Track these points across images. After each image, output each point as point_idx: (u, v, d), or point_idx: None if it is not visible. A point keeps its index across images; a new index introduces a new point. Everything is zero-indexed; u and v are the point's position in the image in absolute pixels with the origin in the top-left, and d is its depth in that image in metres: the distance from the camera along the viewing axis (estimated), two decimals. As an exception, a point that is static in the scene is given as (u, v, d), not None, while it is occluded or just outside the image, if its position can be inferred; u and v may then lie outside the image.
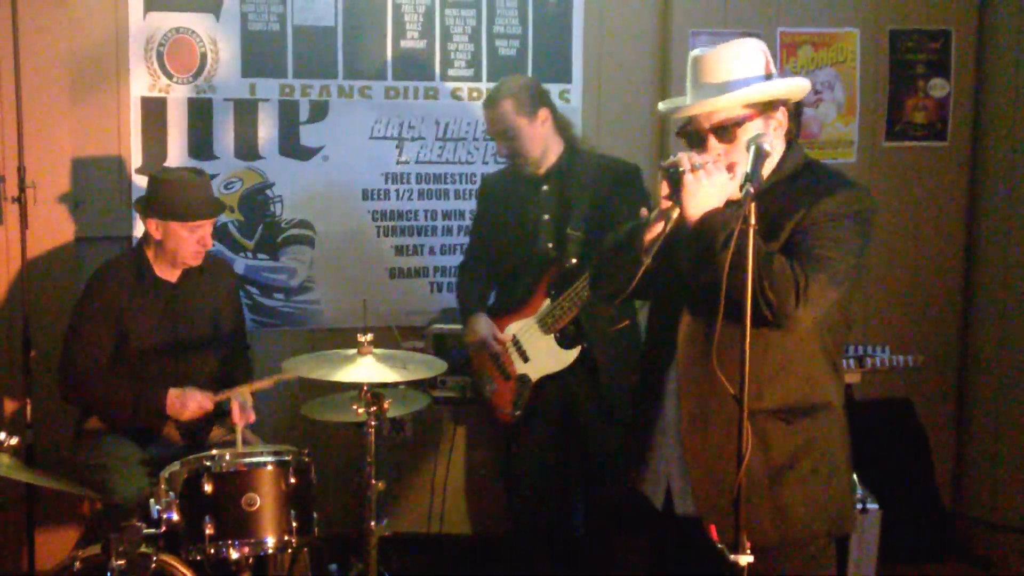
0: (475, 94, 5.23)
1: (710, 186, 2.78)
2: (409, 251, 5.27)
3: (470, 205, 5.26)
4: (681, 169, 2.78)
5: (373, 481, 3.72)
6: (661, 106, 3.15)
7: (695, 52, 2.97)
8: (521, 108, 4.34)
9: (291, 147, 5.08)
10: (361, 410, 3.70)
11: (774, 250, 2.81)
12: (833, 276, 2.80)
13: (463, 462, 5.28)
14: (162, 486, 3.63)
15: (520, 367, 4.43)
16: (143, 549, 3.41)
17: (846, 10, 5.44)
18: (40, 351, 4.55)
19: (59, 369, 4.22)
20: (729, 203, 2.82)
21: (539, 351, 4.40)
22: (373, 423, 3.70)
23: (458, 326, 4.76)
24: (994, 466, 5.49)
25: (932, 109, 5.54)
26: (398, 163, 5.21)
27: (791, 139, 3.01)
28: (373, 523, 3.73)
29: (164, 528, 3.57)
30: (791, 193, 2.92)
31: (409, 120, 5.19)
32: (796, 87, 2.99)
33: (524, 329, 4.43)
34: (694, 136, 2.95)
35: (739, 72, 2.90)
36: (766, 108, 2.91)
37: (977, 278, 5.60)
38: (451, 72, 5.22)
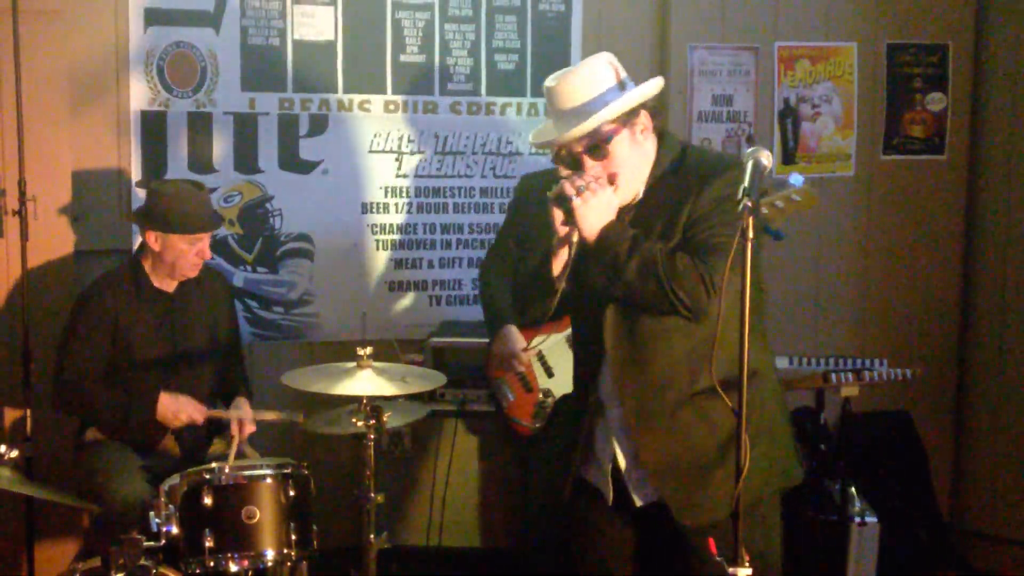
0: (474, 108, 5.25)
1: (598, 204, 2.95)
2: (408, 264, 5.28)
3: (469, 219, 5.27)
4: (568, 195, 2.94)
5: (372, 494, 3.72)
6: (531, 139, 3.27)
7: (549, 82, 3.07)
8: None
9: (290, 161, 5.10)
10: (360, 423, 3.70)
11: (672, 249, 2.96)
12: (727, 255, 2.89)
13: (462, 475, 5.27)
14: (162, 499, 3.64)
15: (544, 382, 4.43)
16: (143, 562, 3.41)
17: (844, 24, 5.46)
18: (40, 363, 4.55)
19: (52, 378, 4.23)
20: (620, 212, 3.01)
21: (565, 369, 4.36)
22: (372, 436, 3.70)
23: (457, 339, 4.77)
24: (992, 478, 5.50)
25: (929, 123, 5.56)
26: (397, 177, 5.23)
27: (661, 131, 3.12)
28: (372, 536, 3.73)
29: (164, 541, 3.57)
30: (676, 185, 3.05)
31: (408, 134, 5.21)
32: (649, 91, 3.06)
33: (551, 345, 4.42)
34: (569, 160, 3.07)
35: (593, 91, 3.01)
36: (628, 117, 3.02)
37: (975, 291, 5.62)
38: (450, 86, 5.24)
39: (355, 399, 3.74)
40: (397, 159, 5.22)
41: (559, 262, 3.04)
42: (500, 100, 5.28)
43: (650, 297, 2.92)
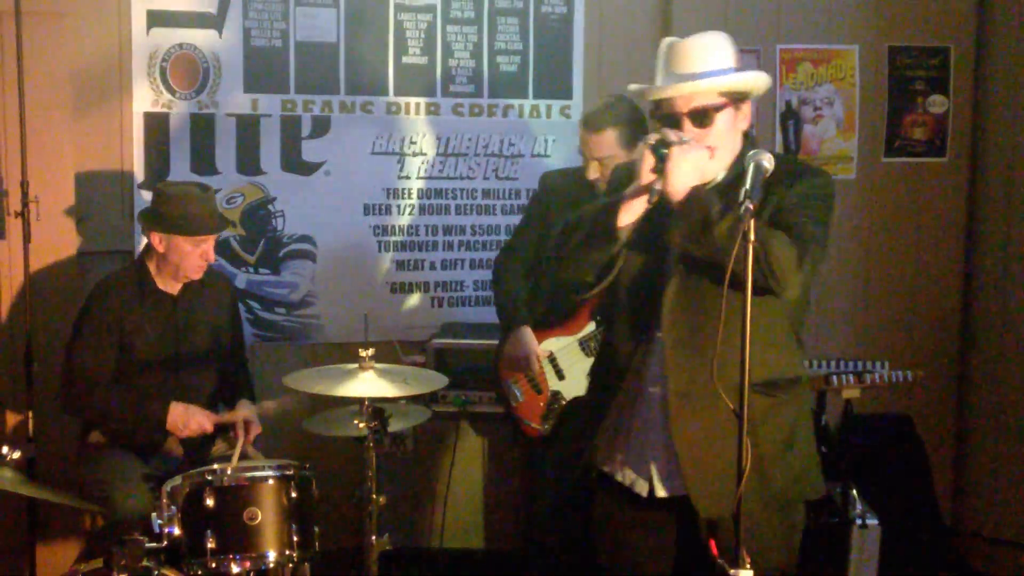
0: (476, 110, 5.26)
1: (694, 161, 2.87)
2: (410, 266, 5.29)
3: (471, 220, 5.28)
4: (670, 141, 2.86)
5: (374, 495, 3.73)
6: (632, 87, 3.18)
7: (669, 40, 3.06)
8: (623, 140, 4.22)
9: (293, 162, 5.10)
10: (362, 425, 3.71)
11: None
12: (819, 249, 2.92)
13: (464, 477, 5.28)
14: (164, 500, 3.64)
15: (554, 384, 4.42)
16: (145, 563, 3.42)
17: (845, 27, 5.47)
18: (42, 365, 4.56)
19: (61, 380, 4.23)
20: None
21: (577, 372, 4.37)
22: (374, 438, 3.71)
23: (459, 340, 4.77)
24: (993, 481, 5.50)
25: (931, 125, 5.57)
26: (399, 178, 5.23)
27: (747, 133, 3.13)
28: (374, 537, 3.74)
29: (166, 542, 3.57)
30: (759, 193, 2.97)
31: (411, 135, 5.22)
32: (763, 80, 3.09)
33: (563, 348, 4.41)
34: (669, 119, 3.02)
35: (714, 62, 3.01)
36: (738, 99, 3.02)
37: (976, 293, 5.62)
38: (452, 88, 5.25)
39: (357, 401, 3.75)
40: (399, 161, 5.22)
41: (629, 213, 2.94)
42: (502, 102, 5.29)
43: (737, 260, 2.74)
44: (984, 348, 5.57)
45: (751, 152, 2.85)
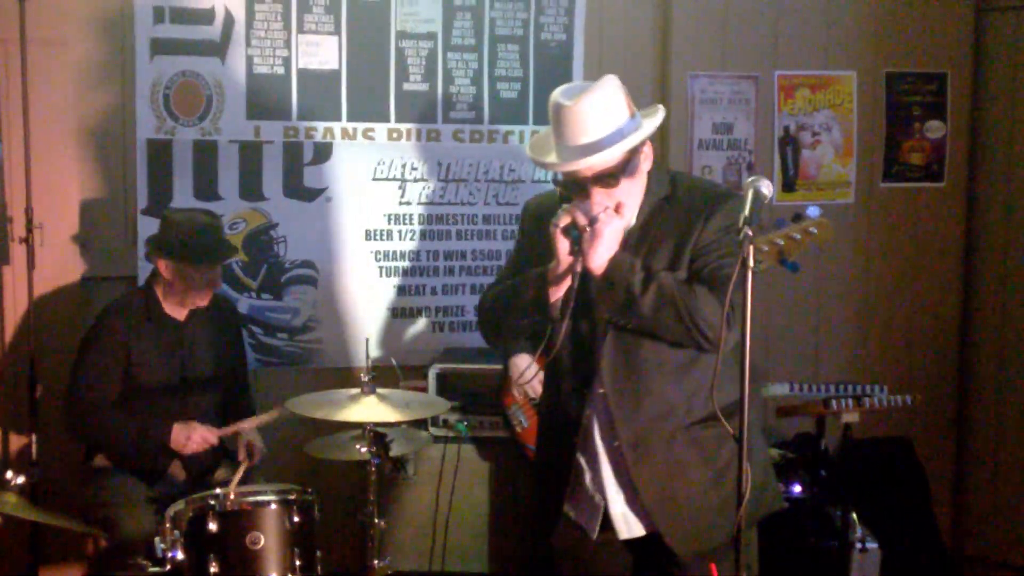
0: (477, 136, 5.29)
1: (609, 235, 2.91)
2: (411, 291, 5.31)
3: (472, 245, 5.30)
4: (580, 225, 2.90)
5: (376, 520, 3.74)
6: (531, 154, 3.15)
7: (561, 99, 2.97)
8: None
9: (295, 188, 5.13)
10: (364, 449, 3.73)
11: (686, 278, 2.96)
12: (738, 289, 2.92)
13: (465, 501, 5.28)
14: (167, 524, 3.65)
15: None
16: (148, 587, 3.44)
17: (843, 53, 5.51)
18: (46, 389, 4.58)
19: (65, 402, 4.25)
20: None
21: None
22: (375, 462, 3.73)
23: (460, 365, 4.78)
24: (993, 504, 5.51)
25: (928, 150, 5.60)
26: (400, 204, 5.26)
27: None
28: (376, 561, 3.75)
29: (169, 567, 3.59)
30: (675, 214, 3.05)
31: (411, 162, 5.25)
32: (658, 120, 3.07)
33: None
34: (573, 186, 3.01)
35: (610, 123, 2.95)
36: (637, 148, 3.00)
37: (974, 318, 5.64)
38: (453, 114, 5.28)
39: (358, 426, 3.77)
40: (400, 187, 5.25)
41: (558, 292, 3.01)
42: (503, 128, 5.32)
43: (667, 329, 2.91)
44: (983, 372, 5.59)
45: (750, 178, 2.87)
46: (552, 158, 3.03)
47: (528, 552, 4.60)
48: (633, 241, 3.04)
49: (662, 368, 3.03)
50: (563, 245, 2.94)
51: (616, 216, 2.95)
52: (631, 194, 3.04)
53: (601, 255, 2.91)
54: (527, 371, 4.39)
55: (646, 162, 3.06)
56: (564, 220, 2.95)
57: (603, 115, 2.95)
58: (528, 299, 3.08)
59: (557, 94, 3.00)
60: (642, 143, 3.01)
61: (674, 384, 3.06)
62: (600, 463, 3.17)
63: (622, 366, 3.07)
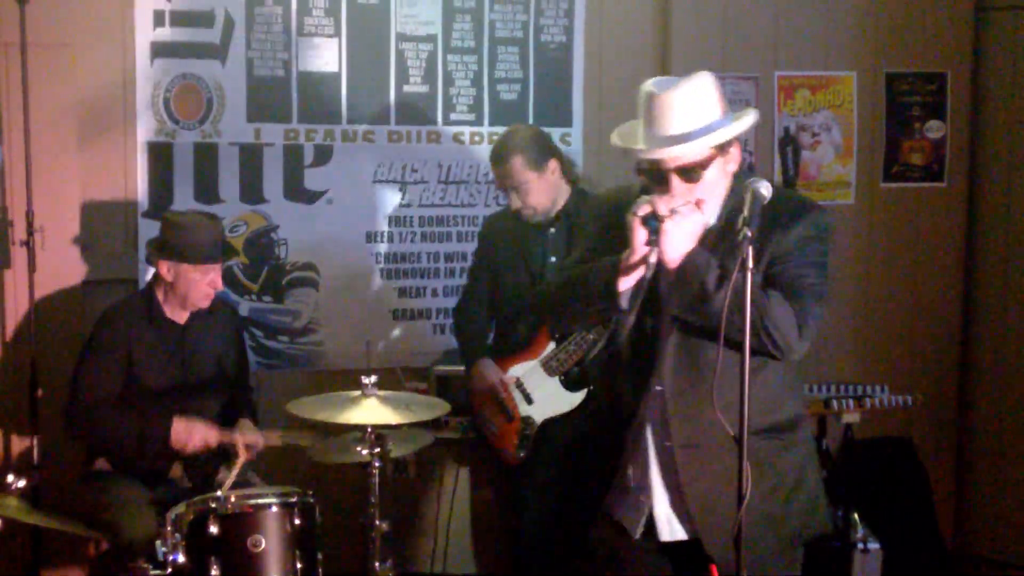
0: (477, 138, 5.30)
1: (688, 228, 2.87)
2: (412, 293, 5.31)
3: (473, 247, 5.29)
4: (661, 215, 2.83)
5: (377, 522, 3.74)
6: (617, 141, 3.08)
7: (651, 89, 2.95)
8: (530, 163, 4.35)
9: (296, 191, 5.14)
10: (365, 451, 3.73)
11: (761, 283, 2.90)
12: (820, 300, 2.94)
13: (466, 502, 5.30)
14: (168, 527, 3.65)
15: (524, 409, 4.46)
16: (149, 591, 3.44)
17: (843, 54, 5.51)
18: (47, 392, 4.58)
19: (66, 405, 4.25)
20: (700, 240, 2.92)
21: (543, 393, 4.43)
22: (377, 464, 3.73)
23: (461, 367, 4.79)
24: (995, 503, 5.51)
25: (929, 150, 5.60)
26: (401, 206, 5.26)
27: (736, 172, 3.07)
28: (377, 564, 3.76)
29: (170, 569, 3.58)
30: (758, 218, 2.96)
31: (412, 164, 5.25)
32: (750, 124, 3.03)
33: (528, 371, 4.46)
34: (656, 175, 2.96)
35: (700, 118, 2.91)
36: (725, 146, 2.96)
37: (975, 317, 5.64)
38: (453, 116, 5.29)
39: (360, 428, 3.77)
40: (401, 188, 5.26)
41: (628, 280, 2.92)
42: (502, 130, 5.29)
43: (736, 330, 2.79)
44: (984, 371, 5.59)
45: (749, 180, 2.85)
46: (639, 145, 2.98)
47: (530, 546, 4.59)
48: (711, 240, 2.98)
49: (725, 373, 2.92)
50: (640, 234, 2.85)
51: (696, 211, 2.91)
52: (713, 192, 2.98)
53: (677, 248, 2.86)
54: (493, 372, 4.46)
55: (732, 163, 3.01)
56: (644, 209, 2.86)
57: (693, 108, 2.91)
58: (598, 287, 2.99)
59: (649, 84, 2.97)
60: (729, 142, 2.96)
61: (736, 391, 2.93)
62: (649, 462, 3.13)
63: (685, 366, 3.03)
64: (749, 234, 2.68)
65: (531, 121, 5.31)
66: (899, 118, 5.58)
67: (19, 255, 4.65)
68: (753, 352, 2.85)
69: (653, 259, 2.83)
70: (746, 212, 2.74)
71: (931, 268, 5.62)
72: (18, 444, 4.79)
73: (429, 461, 5.07)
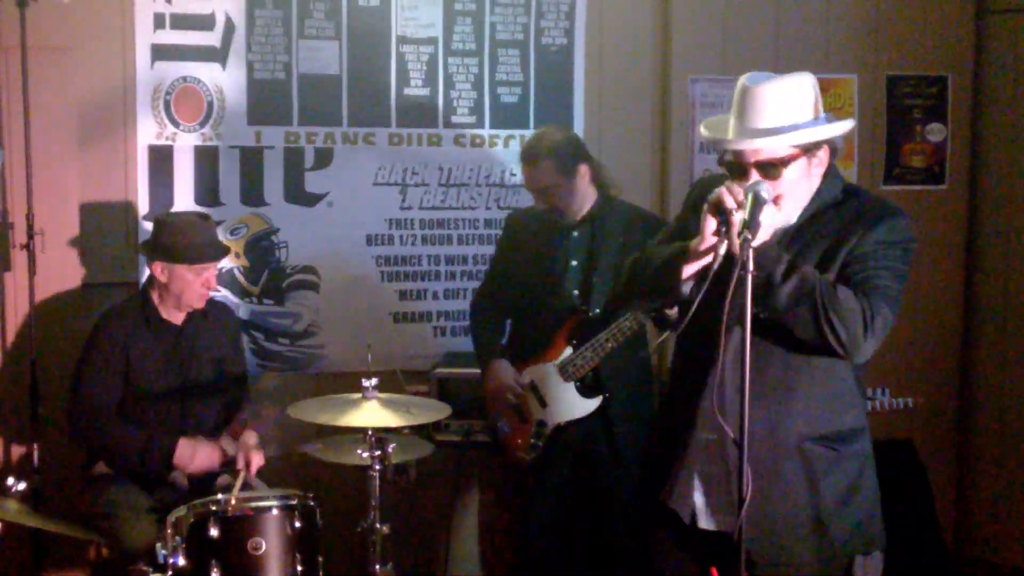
0: (478, 140, 5.30)
1: (762, 221, 2.79)
2: (413, 296, 5.31)
3: (473, 250, 5.31)
4: (730, 207, 2.78)
5: (378, 525, 3.75)
6: (704, 131, 3.09)
7: (747, 81, 2.96)
8: (562, 167, 4.31)
9: (296, 193, 5.13)
10: (365, 454, 3.73)
11: (833, 281, 2.87)
12: (892, 305, 2.92)
13: (467, 505, 5.30)
14: (168, 530, 3.65)
15: (538, 413, 4.45)
16: (150, 593, 3.44)
17: (844, 56, 5.51)
18: (48, 396, 4.58)
19: (68, 410, 4.25)
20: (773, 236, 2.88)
21: (558, 398, 4.41)
22: (377, 467, 3.73)
23: (462, 370, 4.79)
24: (996, 506, 5.51)
25: (930, 153, 5.60)
26: (401, 209, 5.26)
27: (828, 168, 3.04)
28: (378, 567, 3.76)
29: (171, 573, 3.59)
30: (839, 220, 2.98)
31: (412, 166, 5.25)
32: (841, 130, 3.00)
33: (543, 375, 4.44)
34: (736, 168, 2.95)
35: (790, 115, 2.91)
36: (811, 147, 2.94)
37: (976, 319, 5.64)
38: (454, 119, 5.28)
39: (360, 430, 3.77)
40: (401, 191, 5.25)
41: (693, 268, 2.91)
42: (503, 133, 5.32)
43: (801, 323, 2.81)
44: (984, 373, 5.59)
45: (749, 183, 2.86)
46: (727, 136, 2.98)
47: (539, 547, 4.58)
48: (787, 239, 2.97)
49: (787, 372, 2.94)
50: (710, 224, 2.84)
51: (773, 207, 2.85)
52: (795, 192, 2.96)
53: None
54: (508, 374, 4.44)
55: (819, 166, 2.98)
56: (717, 196, 2.83)
57: (784, 105, 2.91)
58: (663, 269, 2.98)
59: (745, 77, 2.98)
60: (816, 144, 2.94)
61: (797, 394, 2.97)
62: (701, 452, 3.08)
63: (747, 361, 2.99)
64: (750, 237, 2.67)
65: (532, 124, 5.31)
66: (900, 121, 5.57)
67: (19, 258, 4.65)
68: (817, 350, 2.86)
69: (722, 250, 2.78)
70: (746, 215, 2.73)
71: (932, 270, 5.61)
72: (18, 447, 4.79)
73: (429, 464, 5.06)
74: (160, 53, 4.93)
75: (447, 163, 5.29)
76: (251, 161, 5.07)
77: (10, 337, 4.77)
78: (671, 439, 3.15)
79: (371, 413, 3.73)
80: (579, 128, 5.35)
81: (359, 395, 3.80)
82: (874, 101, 5.55)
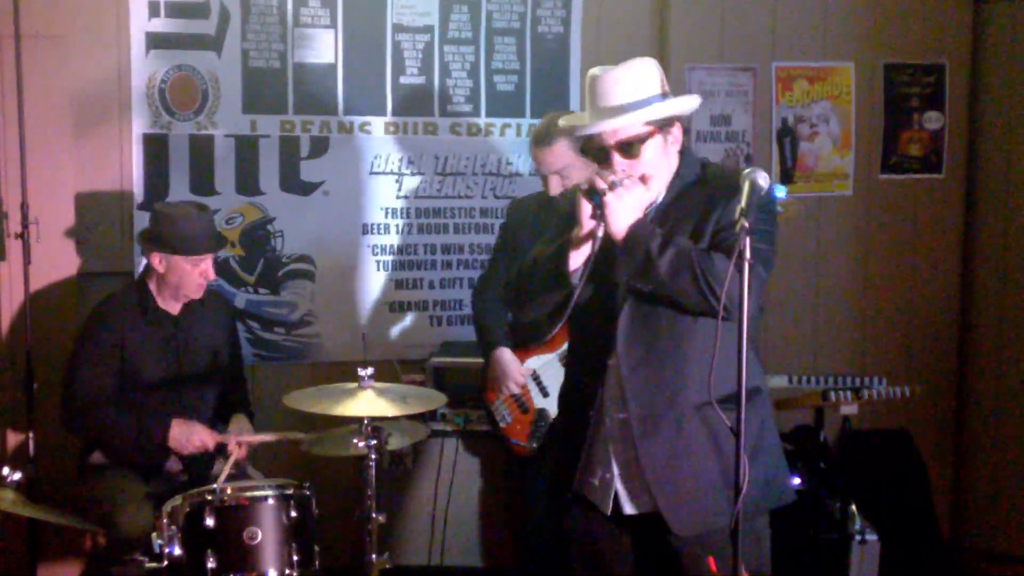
0: (474, 129, 5.29)
1: (630, 201, 2.97)
2: (409, 285, 5.30)
3: (469, 239, 5.30)
4: (601, 188, 2.95)
5: (374, 514, 3.74)
6: (561, 122, 3.31)
7: (594, 72, 3.11)
8: (576, 147, 4.30)
9: (292, 182, 5.12)
10: (361, 444, 3.72)
11: (706, 248, 2.99)
12: (765, 264, 3.00)
13: (463, 494, 5.28)
14: (164, 520, 3.65)
15: (539, 402, 4.44)
16: (145, 583, 3.43)
17: (841, 44, 5.50)
18: (43, 385, 4.57)
19: (62, 399, 4.24)
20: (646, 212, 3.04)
21: (559, 387, 4.39)
22: (373, 456, 3.72)
23: (458, 359, 4.78)
24: (992, 495, 5.51)
25: (927, 142, 5.59)
26: (397, 198, 5.25)
27: (683, 148, 3.16)
28: (374, 556, 3.75)
29: (166, 562, 3.58)
30: (702, 194, 3.11)
31: (408, 155, 5.24)
32: (689, 104, 3.15)
33: (545, 364, 4.43)
34: (598, 152, 3.10)
35: (638, 92, 3.05)
36: (664, 125, 3.07)
37: (973, 309, 5.64)
38: (450, 108, 5.27)
39: (356, 420, 3.76)
40: (397, 180, 5.24)
41: (578, 257, 3.05)
42: (499, 121, 5.31)
43: (683, 291, 2.93)
44: (982, 363, 5.58)
45: (747, 170, 2.87)
46: (581, 123, 3.13)
47: (538, 537, 4.58)
48: (657, 216, 3.10)
49: (679, 342, 3.05)
50: (586, 209, 2.99)
51: (639, 184, 3.01)
52: (657, 170, 3.09)
53: (622, 220, 2.95)
54: (511, 363, 4.43)
55: (674, 144, 3.11)
56: (587, 183, 3.01)
57: (631, 85, 3.05)
58: (549, 267, 3.12)
59: (595, 69, 3.13)
60: (667, 120, 3.06)
61: (689, 360, 3.06)
62: (609, 435, 3.17)
63: (638, 337, 3.09)
64: (747, 224, 2.69)
65: (528, 112, 5.30)
66: (897, 109, 5.57)
67: (14, 247, 4.63)
68: (701, 313, 2.97)
69: (600, 232, 2.97)
70: (744, 202, 2.76)
71: (929, 259, 5.61)
72: (14, 437, 4.78)
73: (425, 453, 5.05)
74: (155, 41, 4.92)
75: (443, 152, 5.28)
76: (246, 150, 5.06)
77: (5, 326, 4.76)
78: (576, 426, 3.24)
79: (367, 403, 3.71)
80: (575, 116, 5.33)
81: (355, 384, 3.78)
82: (871, 89, 5.54)
